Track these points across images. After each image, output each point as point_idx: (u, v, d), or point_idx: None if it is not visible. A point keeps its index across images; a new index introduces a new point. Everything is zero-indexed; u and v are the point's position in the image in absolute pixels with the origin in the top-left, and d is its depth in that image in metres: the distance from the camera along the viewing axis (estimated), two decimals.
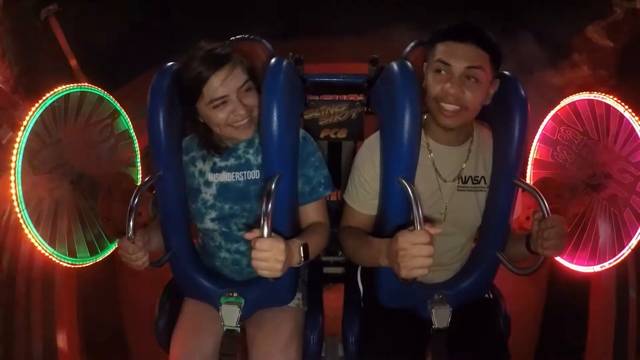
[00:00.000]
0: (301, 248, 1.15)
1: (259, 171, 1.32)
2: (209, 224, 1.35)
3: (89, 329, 1.84)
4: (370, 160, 1.30)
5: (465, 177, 1.33)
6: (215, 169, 1.35)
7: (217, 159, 1.36)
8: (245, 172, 1.34)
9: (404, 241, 1.00)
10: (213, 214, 1.34)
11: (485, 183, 1.33)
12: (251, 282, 1.35)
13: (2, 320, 1.53)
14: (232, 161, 1.35)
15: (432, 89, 1.20)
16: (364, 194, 1.33)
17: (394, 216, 1.21)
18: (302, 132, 1.34)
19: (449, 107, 1.18)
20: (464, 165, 1.32)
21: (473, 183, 1.33)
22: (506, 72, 1.27)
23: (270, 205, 1.04)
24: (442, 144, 1.31)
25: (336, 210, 1.48)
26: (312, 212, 1.36)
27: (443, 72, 1.18)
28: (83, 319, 1.80)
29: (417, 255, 0.99)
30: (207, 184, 1.35)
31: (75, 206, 1.46)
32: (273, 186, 1.10)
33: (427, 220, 1.04)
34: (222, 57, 1.20)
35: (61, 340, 1.66)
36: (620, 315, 1.58)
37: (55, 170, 1.38)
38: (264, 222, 1.02)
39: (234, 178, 1.34)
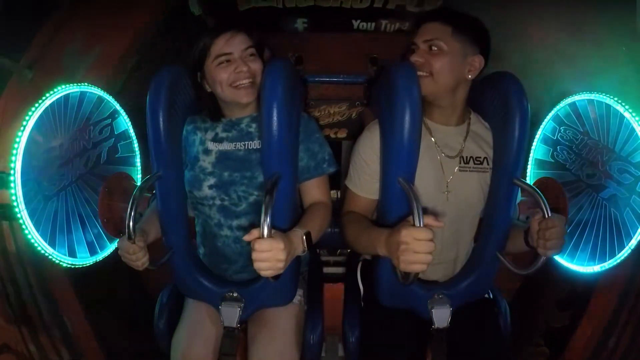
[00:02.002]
0: (304, 238, 1.16)
1: (260, 141, 1.31)
2: (206, 191, 1.33)
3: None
4: (370, 143, 1.32)
5: (466, 157, 1.34)
6: (216, 139, 1.36)
7: (219, 130, 1.37)
8: (246, 142, 1.35)
9: (407, 235, 1.00)
10: (211, 181, 1.33)
11: (488, 164, 1.34)
12: (251, 283, 1.35)
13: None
14: (234, 133, 1.36)
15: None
16: (364, 177, 1.34)
17: (394, 216, 1.21)
18: (305, 114, 1.38)
19: (418, 73, 1.24)
20: (464, 144, 1.34)
21: (475, 163, 1.34)
22: (507, 71, 1.27)
23: (269, 206, 1.03)
24: (440, 124, 1.34)
25: (336, 210, 1.48)
26: (315, 189, 1.37)
27: (413, 48, 1.30)
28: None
29: (418, 251, 1.00)
30: (207, 152, 1.36)
31: (75, 206, 1.46)
32: (273, 187, 1.10)
33: (430, 214, 1.04)
34: (229, 24, 1.30)
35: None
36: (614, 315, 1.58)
37: (55, 170, 1.38)
38: (263, 222, 1.02)
39: (235, 147, 1.35)
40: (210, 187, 1.33)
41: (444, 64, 1.24)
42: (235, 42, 1.27)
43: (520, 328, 1.79)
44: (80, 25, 1.60)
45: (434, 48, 1.26)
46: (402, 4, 1.99)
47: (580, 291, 1.69)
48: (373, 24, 2.08)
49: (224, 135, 1.36)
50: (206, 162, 1.35)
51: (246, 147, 1.34)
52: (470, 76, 1.28)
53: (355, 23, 2.08)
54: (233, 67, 1.26)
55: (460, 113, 1.34)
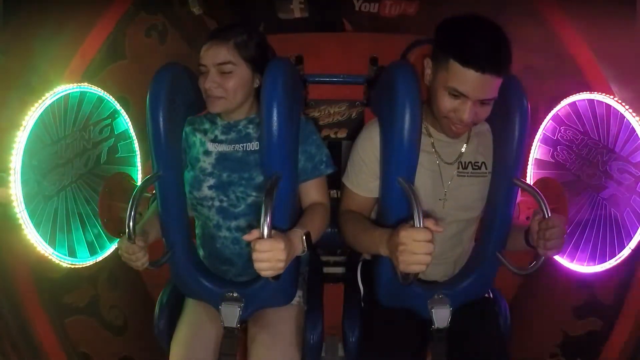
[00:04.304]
0: (304, 238, 1.16)
1: (258, 142, 1.33)
2: (206, 192, 1.34)
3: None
4: (368, 142, 1.31)
5: (465, 162, 1.33)
6: (216, 140, 1.38)
7: (218, 133, 1.38)
8: (245, 144, 1.36)
9: (405, 236, 1.00)
10: (211, 182, 1.34)
11: (486, 169, 1.33)
12: (251, 283, 1.35)
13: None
14: (232, 135, 1.37)
15: (443, 108, 1.18)
16: (362, 176, 1.33)
17: (394, 216, 1.21)
18: (302, 116, 1.38)
19: (460, 126, 1.20)
20: (463, 149, 1.33)
21: (473, 169, 1.33)
22: None
23: (269, 206, 1.03)
24: (442, 132, 1.32)
25: (335, 209, 1.48)
26: (313, 190, 1.37)
27: (457, 96, 1.15)
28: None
29: (416, 252, 1.00)
30: (207, 153, 1.37)
31: (75, 206, 1.46)
32: (272, 187, 1.10)
33: (430, 216, 1.04)
34: (218, 33, 1.30)
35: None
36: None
37: (55, 170, 1.38)
38: (263, 223, 1.02)
39: (233, 149, 1.36)
40: (210, 187, 1.34)
41: (488, 113, 1.19)
42: (210, 54, 1.27)
43: (529, 335, 1.74)
44: (55, 13, 1.52)
45: (485, 104, 1.16)
46: None
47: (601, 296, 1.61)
48: (377, 5, 1.86)
49: (222, 137, 1.37)
50: (206, 162, 1.35)
51: (244, 149, 1.35)
52: None
53: (357, 4, 1.88)
54: (206, 77, 1.28)
55: None
